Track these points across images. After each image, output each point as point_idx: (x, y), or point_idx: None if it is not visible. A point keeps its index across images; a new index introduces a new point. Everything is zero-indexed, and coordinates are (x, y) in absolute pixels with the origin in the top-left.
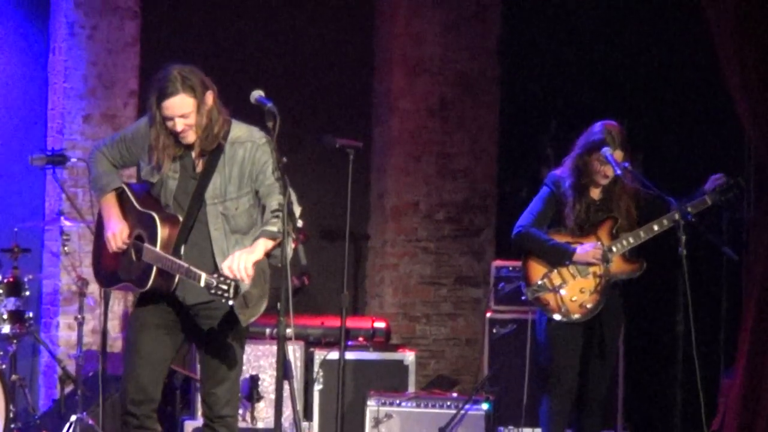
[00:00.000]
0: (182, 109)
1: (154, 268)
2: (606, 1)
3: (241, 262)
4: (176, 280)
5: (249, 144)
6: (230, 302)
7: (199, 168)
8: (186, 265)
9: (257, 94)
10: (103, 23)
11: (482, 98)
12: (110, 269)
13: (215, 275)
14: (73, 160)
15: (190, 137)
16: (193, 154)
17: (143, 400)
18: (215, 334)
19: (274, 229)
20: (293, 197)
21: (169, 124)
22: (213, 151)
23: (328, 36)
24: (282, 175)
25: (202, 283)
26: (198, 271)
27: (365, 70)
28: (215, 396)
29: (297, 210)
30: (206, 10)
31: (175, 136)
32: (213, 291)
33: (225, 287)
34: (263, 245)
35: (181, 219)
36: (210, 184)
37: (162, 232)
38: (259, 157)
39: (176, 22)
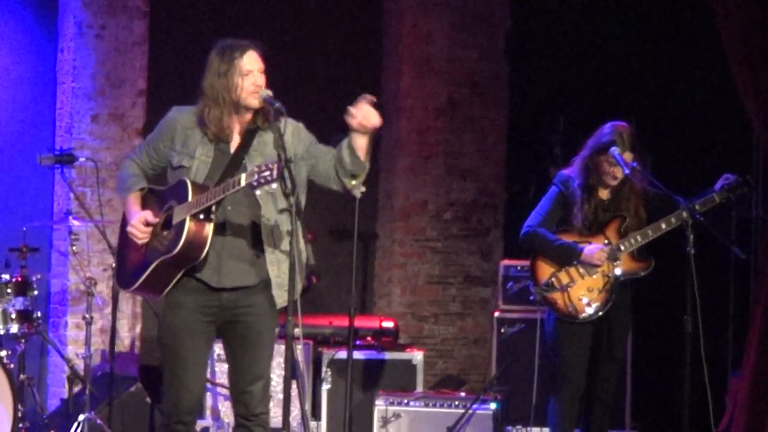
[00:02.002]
0: (259, 63)
1: (186, 227)
2: (614, 0)
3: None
4: (207, 245)
5: (290, 126)
6: (273, 185)
7: (234, 147)
8: (221, 185)
9: (265, 93)
10: (111, 23)
11: (490, 98)
12: (136, 262)
13: (254, 168)
14: (82, 159)
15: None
16: (234, 132)
17: (194, 407)
18: (252, 327)
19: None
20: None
21: (248, 80)
22: (250, 132)
23: (336, 35)
24: (291, 175)
25: (244, 182)
26: (236, 177)
27: (373, 70)
28: (251, 394)
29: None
30: (214, 9)
31: (233, 102)
32: (256, 180)
33: (267, 172)
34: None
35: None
36: (248, 163)
37: (192, 191)
38: (305, 136)
39: (184, 21)
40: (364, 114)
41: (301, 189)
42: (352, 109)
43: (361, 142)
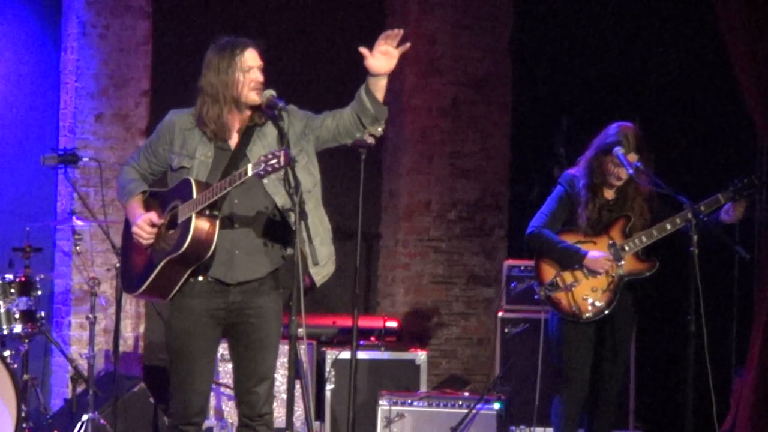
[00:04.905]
0: (259, 60)
1: (192, 224)
2: (618, 1)
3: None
4: (214, 242)
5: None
6: (280, 170)
7: (234, 145)
8: (227, 178)
9: (269, 93)
10: (114, 23)
11: (494, 98)
12: (142, 265)
13: (260, 157)
14: (85, 159)
15: (260, 95)
16: (233, 130)
17: (203, 408)
18: (258, 328)
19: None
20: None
21: (250, 76)
22: (248, 129)
23: (339, 36)
24: (294, 174)
25: (251, 171)
26: (242, 169)
27: None
28: (257, 395)
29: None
30: (218, 9)
31: (235, 99)
32: (263, 169)
33: (274, 160)
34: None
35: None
36: (250, 159)
37: (197, 189)
38: (299, 115)
39: (188, 21)
40: (386, 49)
41: (312, 164)
42: (371, 51)
43: (381, 84)
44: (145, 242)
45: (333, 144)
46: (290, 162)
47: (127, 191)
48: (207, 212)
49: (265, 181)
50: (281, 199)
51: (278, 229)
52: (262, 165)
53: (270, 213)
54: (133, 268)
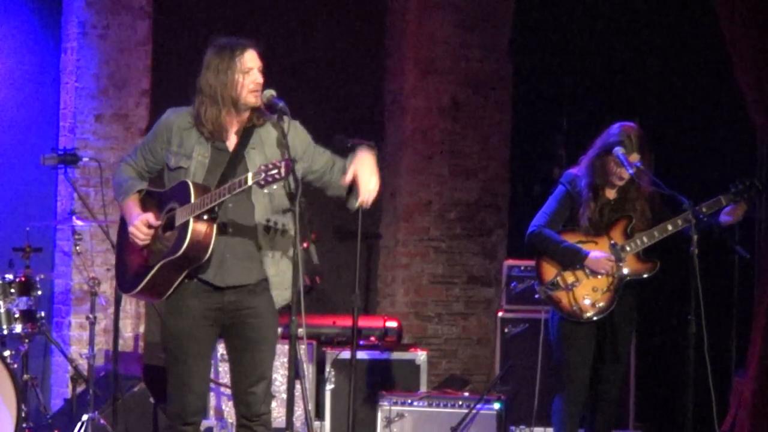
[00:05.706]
0: (259, 61)
1: (190, 228)
2: (618, 1)
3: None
4: (211, 246)
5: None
6: (275, 185)
7: (232, 146)
8: (227, 184)
9: (269, 93)
10: (114, 23)
11: (494, 98)
12: (137, 266)
13: (261, 167)
14: (85, 159)
15: (259, 96)
16: (231, 131)
17: (200, 408)
18: (255, 328)
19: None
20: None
21: (249, 78)
22: (246, 130)
23: (340, 36)
24: (295, 176)
25: (251, 181)
26: (242, 177)
27: (377, 70)
28: (254, 395)
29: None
30: (218, 9)
31: (233, 100)
32: (264, 179)
33: (275, 170)
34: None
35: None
36: (248, 161)
37: (195, 192)
38: (303, 135)
39: (188, 21)
40: (369, 192)
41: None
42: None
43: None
44: (141, 243)
45: (315, 184)
46: (291, 173)
47: (124, 189)
48: (204, 216)
49: (265, 190)
50: (261, 210)
51: (273, 236)
52: (263, 174)
53: (256, 224)
54: (129, 267)
